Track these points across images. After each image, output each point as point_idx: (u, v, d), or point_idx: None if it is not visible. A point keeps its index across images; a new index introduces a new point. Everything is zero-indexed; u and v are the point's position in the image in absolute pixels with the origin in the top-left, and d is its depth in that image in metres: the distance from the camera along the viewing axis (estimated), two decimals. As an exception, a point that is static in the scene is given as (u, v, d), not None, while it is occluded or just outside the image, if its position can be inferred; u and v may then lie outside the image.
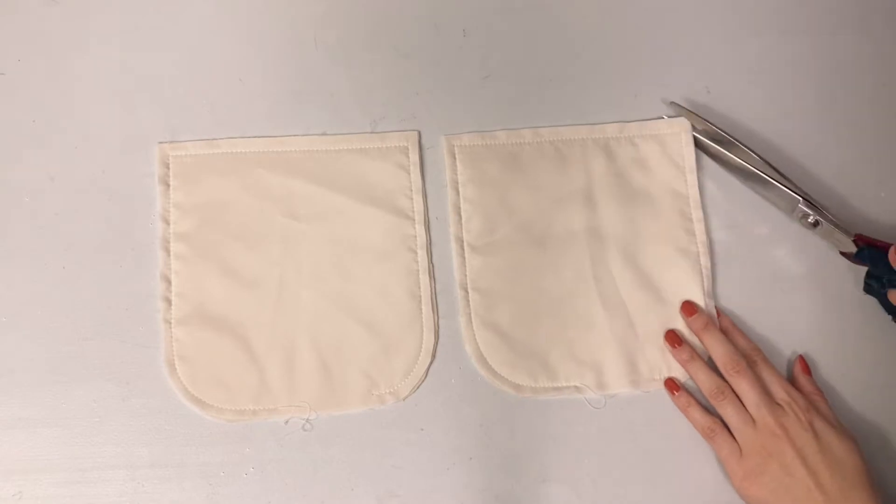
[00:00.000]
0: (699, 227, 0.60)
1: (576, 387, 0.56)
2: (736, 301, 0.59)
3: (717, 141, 0.60)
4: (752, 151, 0.60)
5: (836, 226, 0.57)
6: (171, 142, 0.59)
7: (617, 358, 0.57)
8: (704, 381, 0.55)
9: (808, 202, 0.58)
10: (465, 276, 0.58)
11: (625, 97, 0.63)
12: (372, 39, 0.63)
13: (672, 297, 0.58)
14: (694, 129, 0.61)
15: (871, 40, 0.65)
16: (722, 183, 0.61)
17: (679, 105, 0.62)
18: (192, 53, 0.62)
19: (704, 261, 0.59)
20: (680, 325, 0.58)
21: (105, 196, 0.58)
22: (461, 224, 0.59)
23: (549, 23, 0.64)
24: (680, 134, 0.61)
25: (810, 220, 0.58)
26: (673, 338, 0.57)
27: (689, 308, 0.57)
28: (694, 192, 0.60)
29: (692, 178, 0.61)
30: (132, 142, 0.59)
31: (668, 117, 0.62)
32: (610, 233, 0.59)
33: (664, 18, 0.65)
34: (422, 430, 0.55)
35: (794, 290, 0.59)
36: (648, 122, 0.62)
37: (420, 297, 0.57)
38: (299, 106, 0.61)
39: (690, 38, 0.65)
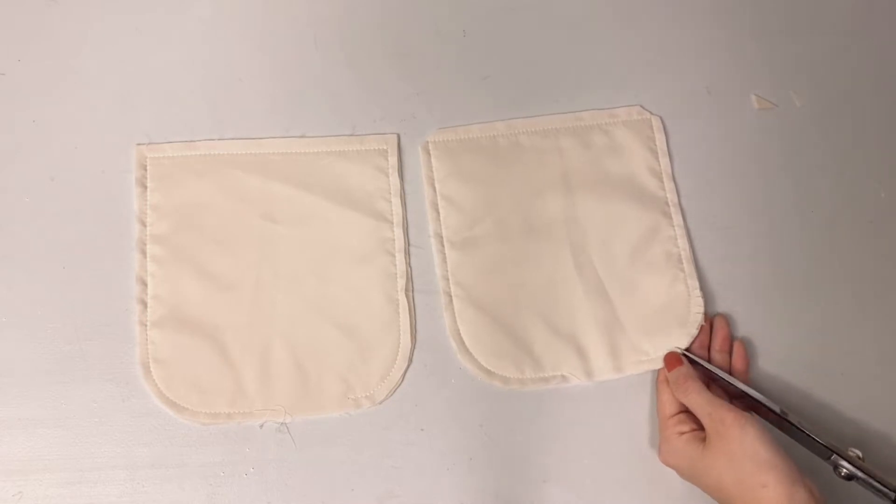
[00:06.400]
0: (675, 210, 0.60)
1: (562, 376, 0.56)
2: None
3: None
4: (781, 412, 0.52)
5: (874, 484, 0.49)
6: (149, 143, 0.59)
7: (601, 345, 0.57)
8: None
9: (841, 455, 0.50)
10: (447, 271, 0.58)
11: (625, 98, 0.63)
12: (372, 40, 0.63)
13: (651, 280, 0.58)
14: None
15: (872, 41, 0.65)
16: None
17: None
18: (193, 53, 0.62)
19: (682, 243, 0.59)
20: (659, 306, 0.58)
21: (105, 196, 0.58)
22: (439, 221, 0.59)
23: (549, 23, 0.64)
24: (650, 119, 0.62)
25: (843, 473, 0.50)
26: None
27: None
28: (668, 173, 0.61)
29: (665, 161, 0.61)
30: (132, 141, 0.59)
31: None
32: (588, 220, 0.59)
33: (664, 18, 0.65)
34: (422, 430, 0.55)
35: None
36: (619, 108, 0.62)
37: (398, 300, 0.57)
38: (300, 106, 0.61)
39: (690, 38, 0.65)
